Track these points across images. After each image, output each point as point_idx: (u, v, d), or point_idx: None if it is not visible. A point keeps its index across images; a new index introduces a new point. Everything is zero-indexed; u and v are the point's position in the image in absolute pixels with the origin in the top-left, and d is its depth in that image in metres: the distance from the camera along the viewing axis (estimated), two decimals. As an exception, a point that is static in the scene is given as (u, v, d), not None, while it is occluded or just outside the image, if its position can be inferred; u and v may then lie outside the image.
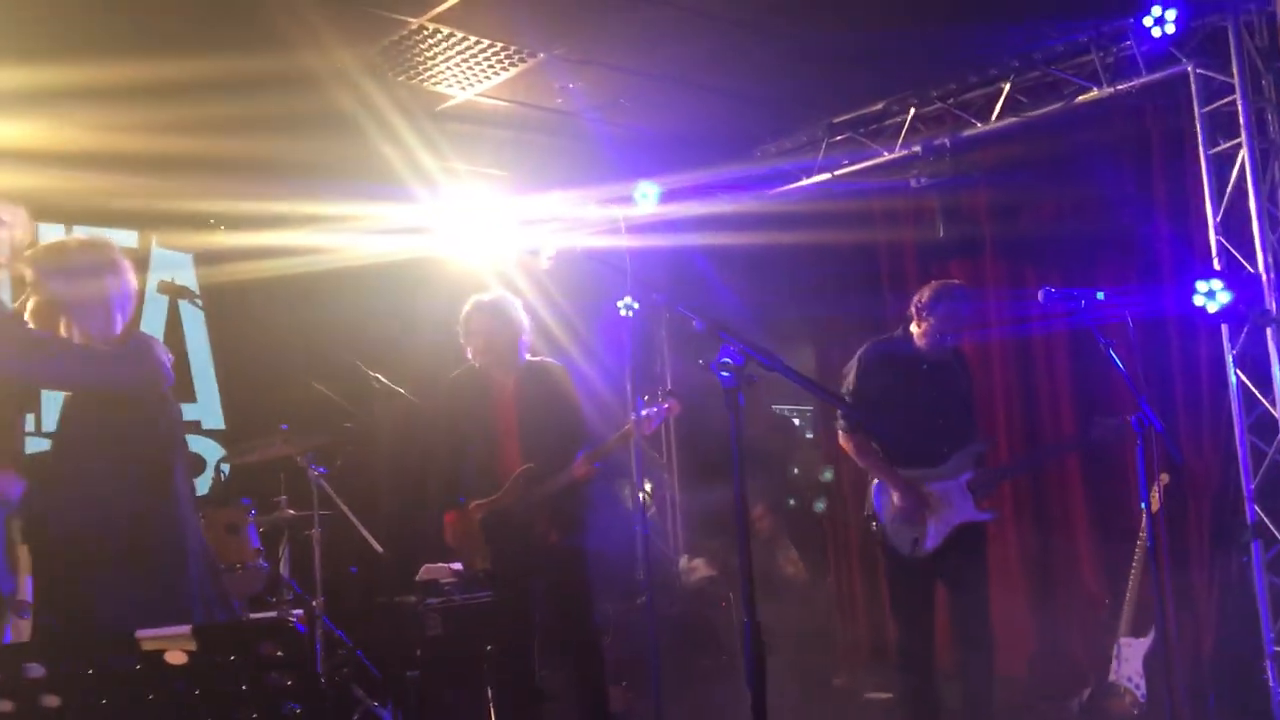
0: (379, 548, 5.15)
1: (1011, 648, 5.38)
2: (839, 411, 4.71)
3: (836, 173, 6.15)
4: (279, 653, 1.60)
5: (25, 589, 2.53)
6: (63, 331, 3.04)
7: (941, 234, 5.79)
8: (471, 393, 4.68)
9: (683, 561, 6.74)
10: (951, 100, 5.69)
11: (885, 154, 5.91)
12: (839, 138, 6.12)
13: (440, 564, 5.70)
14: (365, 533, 5.08)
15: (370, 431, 5.63)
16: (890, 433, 4.55)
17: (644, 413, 4.46)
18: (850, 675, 6.42)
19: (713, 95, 5.62)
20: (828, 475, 6.95)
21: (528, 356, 4.74)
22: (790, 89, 5.69)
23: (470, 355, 4.73)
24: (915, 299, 4.61)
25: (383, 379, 5.12)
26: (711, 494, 6.59)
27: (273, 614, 4.90)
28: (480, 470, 4.66)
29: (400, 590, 5.51)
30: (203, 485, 5.85)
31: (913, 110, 5.79)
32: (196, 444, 6.13)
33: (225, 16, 4.50)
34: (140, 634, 1.56)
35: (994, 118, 5.53)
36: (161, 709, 1.63)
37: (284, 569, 5.01)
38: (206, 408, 6.22)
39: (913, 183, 5.75)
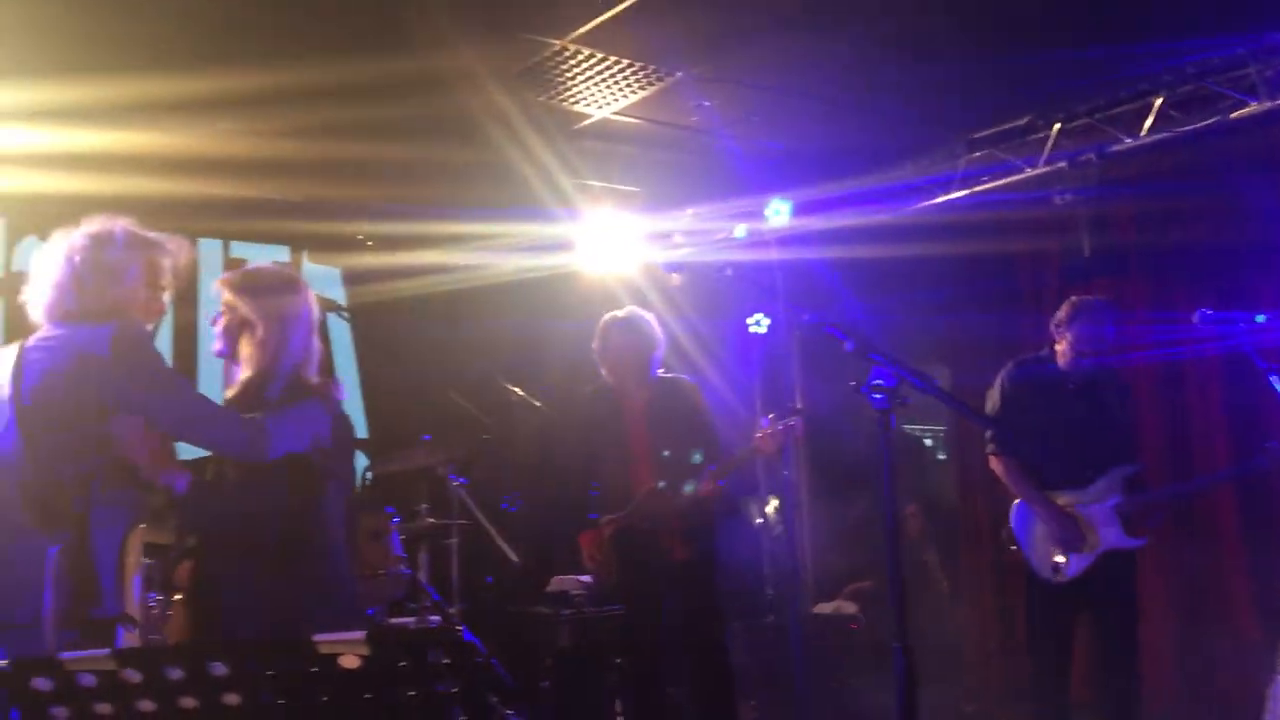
0: (515, 557, 5.25)
1: (1157, 682, 5.18)
2: (988, 434, 4.62)
3: (976, 188, 6.04)
4: (447, 660, 1.65)
5: (132, 603, 2.63)
6: (243, 349, 3.20)
7: (1087, 252, 5.63)
8: (604, 409, 4.75)
9: (829, 608, 6.63)
10: (1099, 114, 5.53)
11: (1028, 169, 5.78)
12: (979, 153, 6.01)
13: (570, 576, 5.78)
14: (501, 542, 5.18)
15: (507, 444, 5.75)
16: (1036, 455, 4.44)
17: (768, 429, 4.47)
18: (980, 702, 6.27)
19: (849, 112, 5.58)
20: None
21: (660, 373, 4.79)
22: (929, 105, 5.61)
23: (604, 372, 4.80)
24: (1055, 317, 4.51)
25: (520, 392, 5.24)
26: (843, 512, 6.52)
27: (411, 619, 5.04)
28: (612, 486, 4.72)
29: (532, 600, 5.60)
30: (347, 492, 6.06)
31: (1058, 125, 5.64)
32: (340, 452, 6.35)
33: (378, 46, 4.66)
34: (317, 638, 1.62)
35: (1144, 131, 5.36)
36: (334, 712, 1.69)
37: (423, 576, 5.14)
38: (351, 417, 6.42)
39: (1056, 199, 5.61)
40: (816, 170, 6.12)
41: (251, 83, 4.60)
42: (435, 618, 4.99)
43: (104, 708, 1.68)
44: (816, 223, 6.42)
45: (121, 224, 2.99)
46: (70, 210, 5.28)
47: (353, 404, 6.49)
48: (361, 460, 6.40)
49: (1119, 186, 5.55)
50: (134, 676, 1.65)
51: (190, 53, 4.53)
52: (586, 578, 5.67)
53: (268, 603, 3.04)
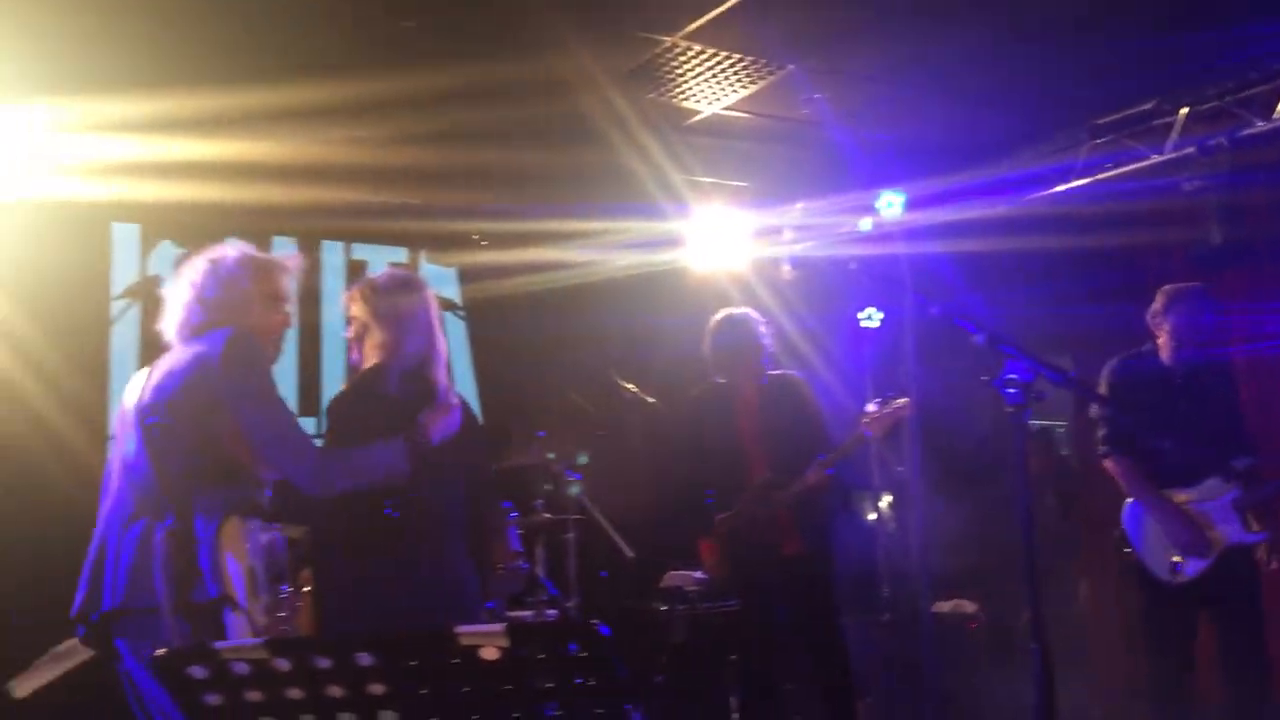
0: (630, 552, 5.28)
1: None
2: (1099, 434, 4.49)
3: (1099, 176, 5.86)
4: (585, 654, 1.67)
5: (234, 586, 2.73)
6: (366, 351, 3.33)
7: (1218, 241, 5.42)
8: (716, 407, 4.77)
9: (947, 606, 6.50)
10: (1228, 97, 5.32)
11: (1154, 156, 5.59)
12: (1102, 140, 5.83)
13: (684, 571, 5.79)
14: (617, 537, 5.22)
15: (621, 440, 5.79)
16: (1145, 453, 4.31)
17: (875, 412, 4.44)
18: (1105, 701, 6.09)
19: (966, 100, 5.47)
20: None
21: (771, 369, 4.79)
22: (1048, 91, 5.47)
23: (714, 369, 4.82)
24: (1150, 309, 4.36)
25: (633, 388, 5.27)
26: (962, 509, 6.39)
27: (529, 614, 5.11)
28: (724, 483, 4.74)
29: (645, 596, 5.63)
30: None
31: (1185, 109, 5.44)
32: (457, 448, 6.49)
33: (492, 51, 4.74)
34: (459, 630, 1.66)
35: (1276, 114, 5.13)
36: (475, 702, 1.73)
37: (540, 570, 5.22)
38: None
39: (1185, 185, 5.41)
40: (931, 161, 6.02)
41: (370, 91, 4.74)
42: (552, 612, 5.07)
43: (254, 695, 1.74)
44: (932, 215, 6.30)
45: (238, 247, 3.16)
46: (200, 217, 5.55)
47: (468, 400, 6.62)
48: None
49: (1251, 172, 5.33)
50: (283, 665, 1.71)
51: (313, 63, 4.66)
52: (700, 574, 5.69)
53: (375, 597, 3.14)
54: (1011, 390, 2.27)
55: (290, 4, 4.42)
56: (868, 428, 4.46)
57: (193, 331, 3.04)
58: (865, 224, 6.16)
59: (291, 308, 3.21)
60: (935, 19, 4.62)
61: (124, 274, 5.76)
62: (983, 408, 5.94)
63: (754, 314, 4.88)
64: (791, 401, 4.73)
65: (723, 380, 4.82)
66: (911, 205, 6.33)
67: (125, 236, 5.79)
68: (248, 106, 4.78)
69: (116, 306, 5.68)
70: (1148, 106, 5.59)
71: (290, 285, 3.21)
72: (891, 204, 6.28)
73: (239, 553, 2.80)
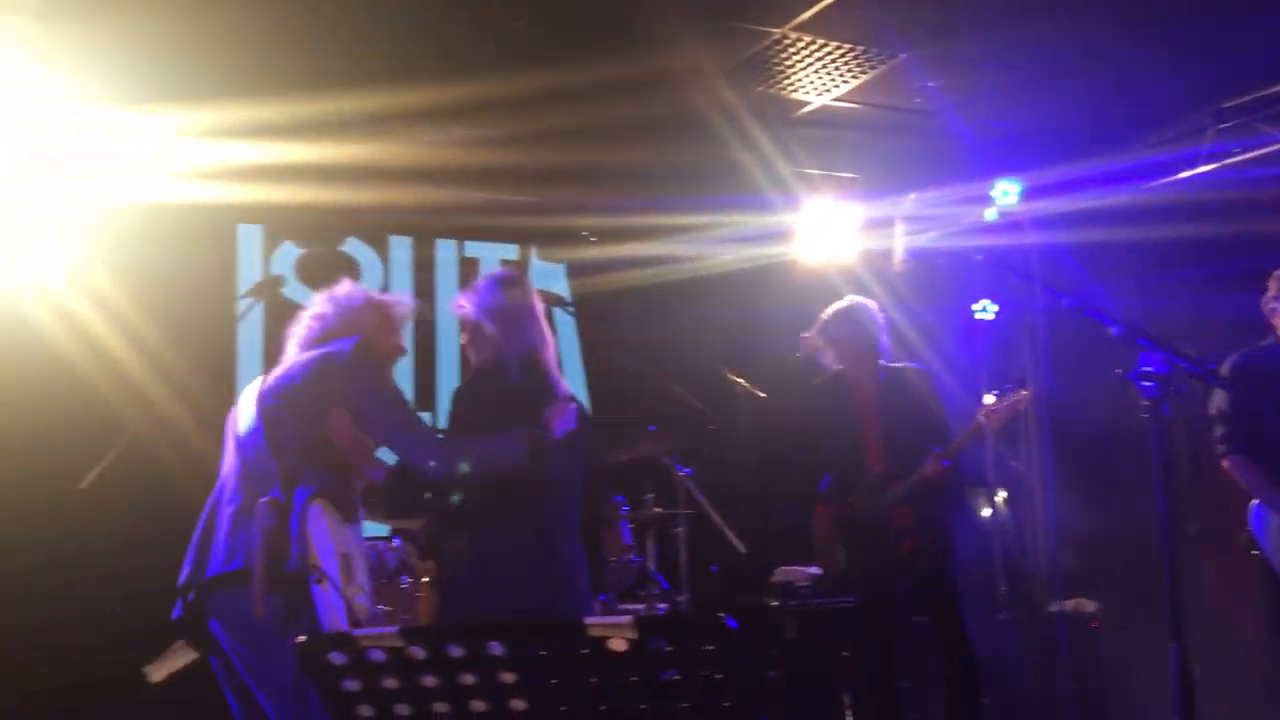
0: (741, 547, 5.27)
1: None
2: (1217, 433, 4.32)
3: (1227, 161, 5.64)
4: (712, 647, 1.68)
5: (319, 557, 2.81)
6: (481, 347, 3.42)
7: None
8: (835, 398, 4.73)
9: (1067, 605, 6.34)
10: (1368, 77, 5.08)
11: (1286, 139, 5.36)
12: (1229, 124, 5.60)
13: (795, 566, 5.76)
14: (728, 532, 5.22)
15: (732, 433, 5.78)
16: (1265, 452, 4.13)
17: (993, 404, 4.36)
18: (1230, 701, 5.86)
19: (1086, 85, 5.32)
20: None
21: (889, 362, 4.73)
22: (1173, 74, 5.28)
23: (831, 361, 4.78)
24: (1264, 296, 4.16)
25: (744, 382, 5.25)
26: (1086, 506, 6.23)
27: (640, 607, 5.14)
28: (841, 473, 4.71)
29: (757, 590, 5.62)
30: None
31: (1320, 89, 5.21)
32: (568, 443, 6.56)
33: (601, 41, 4.77)
34: (588, 621, 1.68)
35: None
36: (603, 692, 1.74)
37: (651, 564, 5.24)
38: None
39: (1319, 169, 5.18)
40: (1049, 149, 5.86)
41: (483, 92, 4.84)
42: (663, 606, 5.08)
43: (390, 682, 1.78)
44: (1051, 204, 6.14)
45: (359, 288, 3.37)
46: (320, 217, 5.71)
47: (578, 395, 6.67)
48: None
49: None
50: (419, 653, 1.75)
51: (427, 67, 4.77)
52: (813, 569, 5.65)
53: (489, 589, 3.21)
54: (1148, 384, 2.19)
55: (405, 9, 4.52)
56: (986, 420, 4.38)
57: (315, 344, 3.22)
58: (990, 214, 6.00)
59: (406, 341, 3.44)
60: (1057, 5, 4.50)
61: (248, 274, 5.95)
62: (1107, 400, 5.75)
63: (871, 304, 4.82)
64: (911, 394, 4.67)
65: (841, 370, 4.78)
66: (1030, 194, 6.17)
67: (249, 237, 5.99)
68: (365, 110, 4.95)
69: (241, 305, 5.87)
70: (1278, 88, 5.36)
71: (405, 322, 3.40)
72: (1007, 193, 6.13)
73: (331, 534, 2.91)
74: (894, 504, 4.55)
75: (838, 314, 4.78)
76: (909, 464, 4.50)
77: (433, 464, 3.14)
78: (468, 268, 6.48)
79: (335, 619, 2.81)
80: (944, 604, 4.55)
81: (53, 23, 4.34)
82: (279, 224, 5.88)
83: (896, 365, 4.78)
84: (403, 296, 3.48)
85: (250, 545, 2.83)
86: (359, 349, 3.09)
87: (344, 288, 3.33)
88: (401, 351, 3.39)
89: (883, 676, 4.67)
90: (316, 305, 3.30)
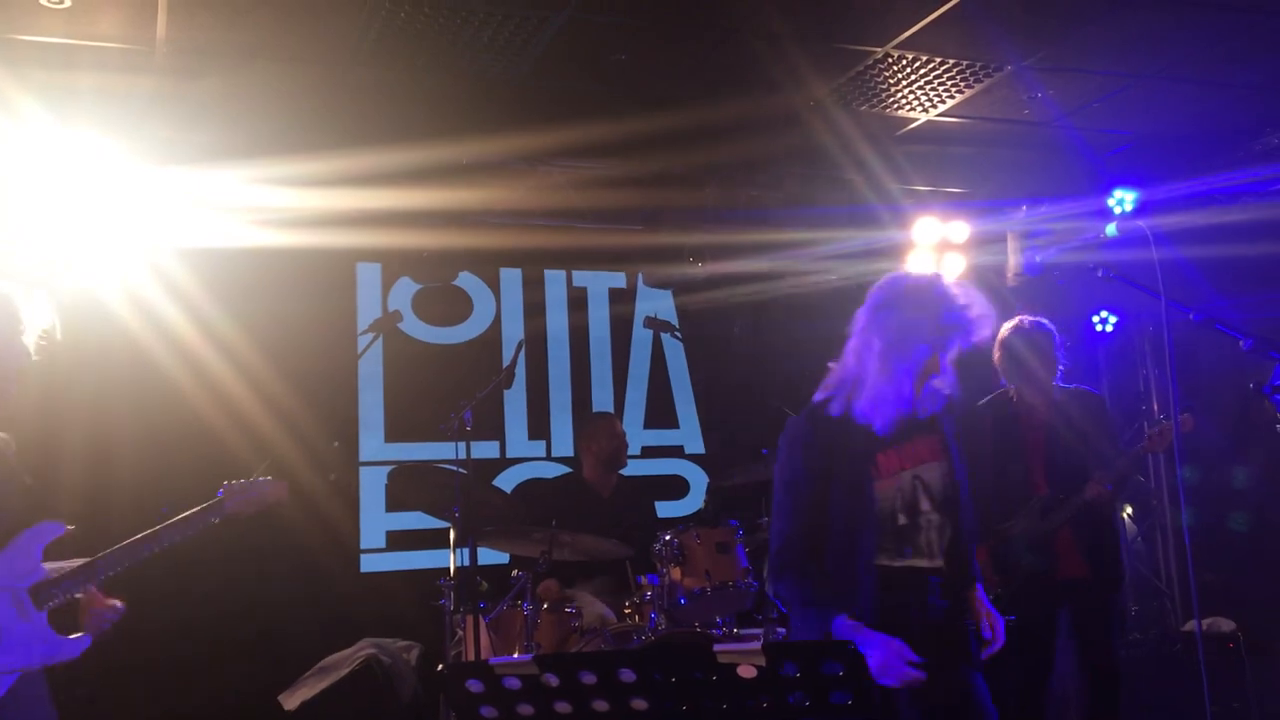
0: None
1: None
2: None
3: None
4: (841, 673, 1.68)
5: None
6: None
7: None
8: (1001, 417, 4.64)
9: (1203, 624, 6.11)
10: None
11: None
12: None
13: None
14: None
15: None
16: None
17: (1157, 427, 4.24)
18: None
19: (1205, 91, 5.16)
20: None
21: (1063, 384, 4.63)
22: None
23: (1005, 381, 4.69)
24: None
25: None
26: (1215, 521, 6.01)
27: (759, 630, 5.11)
28: (1004, 496, 4.59)
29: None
30: (690, 506, 6.28)
31: None
32: (680, 468, 6.60)
33: (704, 65, 4.83)
34: (717, 648, 1.70)
35: None
36: (731, 717, 1.76)
37: (769, 589, 5.20)
38: (688, 433, 6.66)
39: None
40: (1170, 157, 5.69)
41: (588, 134, 5.04)
42: (781, 630, 5.04)
43: (526, 709, 1.83)
44: (1172, 215, 5.95)
45: None
46: (435, 253, 5.89)
47: (688, 419, 6.71)
48: (698, 474, 6.62)
49: None
50: (552, 680, 1.79)
51: (533, 115, 4.98)
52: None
53: None
54: (1281, 397, 2.14)
55: (510, 64, 4.67)
56: (1150, 443, 4.26)
57: None
58: (1110, 229, 5.82)
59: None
60: (1174, 9, 4.38)
61: (368, 310, 6.15)
62: (1236, 413, 5.56)
63: (1048, 324, 4.70)
64: (1082, 418, 4.53)
65: (1006, 390, 4.69)
66: (1150, 206, 5.99)
67: (368, 275, 6.19)
68: (472, 156, 5.13)
69: (362, 341, 6.07)
70: None
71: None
72: (1124, 202, 5.96)
73: None
74: (1056, 529, 4.44)
75: (1013, 331, 4.66)
76: (1072, 488, 4.40)
77: None
78: (576, 299, 6.60)
79: None
80: (1100, 635, 4.41)
81: (179, 79, 4.59)
82: (396, 261, 6.07)
83: (1071, 388, 4.67)
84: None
85: None
86: None
87: None
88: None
89: (1031, 700, 4.54)
90: None
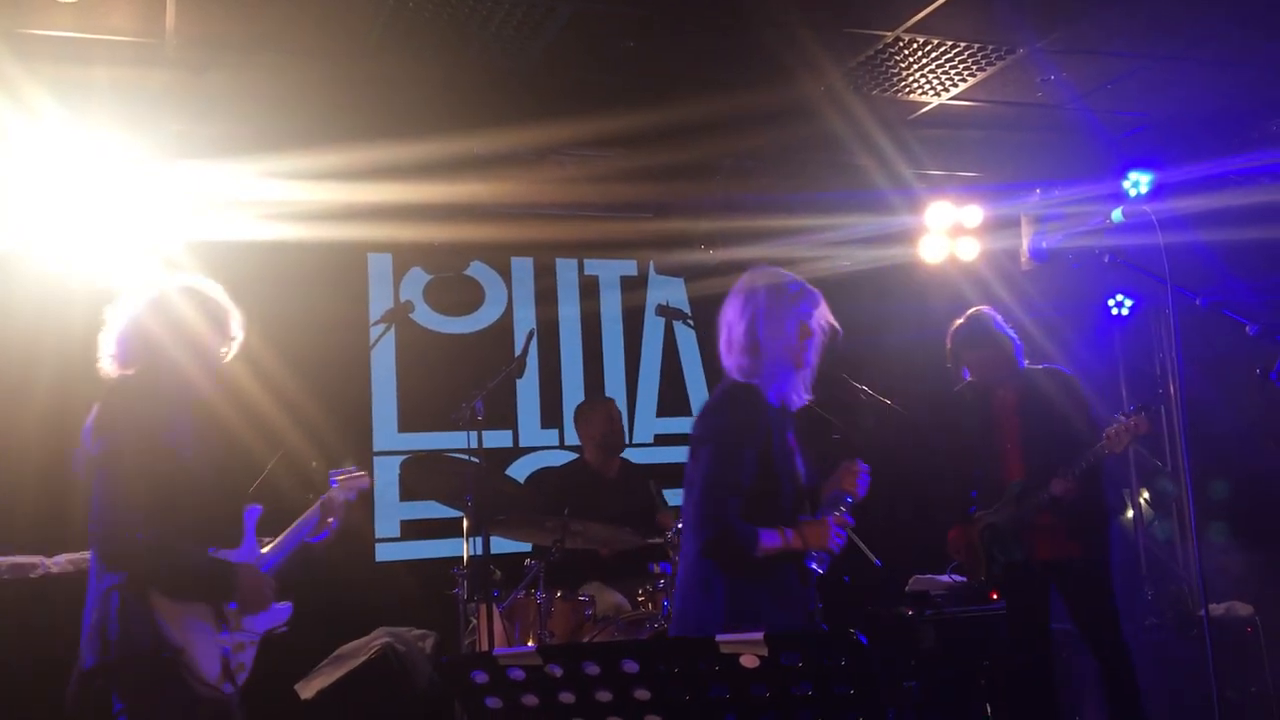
0: (875, 560, 5.20)
1: None
2: None
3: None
4: (843, 663, 1.68)
5: None
6: None
7: None
8: (973, 406, 4.68)
9: (1220, 609, 6.08)
10: None
11: None
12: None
13: (929, 575, 5.66)
14: (862, 545, 5.15)
15: (858, 443, 5.71)
16: None
17: (1116, 426, 4.23)
18: None
19: (1221, 72, 5.10)
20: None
21: (1027, 364, 4.63)
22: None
23: (967, 372, 4.72)
24: None
25: (870, 391, 5.17)
26: (1230, 507, 5.97)
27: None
28: (983, 484, 4.64)
29: (890, 600, 5.53)
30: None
31: None
32: (690, 455, 6.59)
33: (714, 50, 4.81)
34: (719, 638, 1.69)
35: None
36: (734, 708, 1.76)
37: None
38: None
39: None
40: (1186, 139, 5.64)
41: (598, 126, 5.06)
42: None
43: (530, 699, 1.84)
44: (1185, 199, 5.90)
45: None
46: (445, 249, 5.90)
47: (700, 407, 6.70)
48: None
49: None
50: (556, 671, 1.79)
51: (542, 104, 4.98)
52: (946, 577, 5.55)
53: None
54: (1289, 381, 2.12)
55: (519, 54, 4.67)
56: (1107, 443, 4.24)
57: None
58: (1116, 215, 5.78)
59: None
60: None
61: (380, 301, 6.16)
62: (1245, 398, 5.51)
63: (989, 311, 4.74)
64: (1053, 399, 4.54)
65: (977, 380, 4.71)
66: (1162, 188, 5.94)
67: (380, 266, 6.20)
68: (483, 149, 5.15)
69: (374, 331, 6.09)
70: None
71: None
72: (1138, 184, 5.91)
73: None
74: (1035, 514, 4.44)
75: (959, 326, 4.72)
76: (1048, 473, 4.39)
77: None
78: (588, 286, 6.59)
79: None
80: (1096, 616, 4.41)
81: (189, 72, 4.60)
82: (407, 251, 6.07)
83: (1036, 368, 4.66)
84: None
85: None
86: None
87: None
88: None
89: (1034, 686, 4.55)
90: None
